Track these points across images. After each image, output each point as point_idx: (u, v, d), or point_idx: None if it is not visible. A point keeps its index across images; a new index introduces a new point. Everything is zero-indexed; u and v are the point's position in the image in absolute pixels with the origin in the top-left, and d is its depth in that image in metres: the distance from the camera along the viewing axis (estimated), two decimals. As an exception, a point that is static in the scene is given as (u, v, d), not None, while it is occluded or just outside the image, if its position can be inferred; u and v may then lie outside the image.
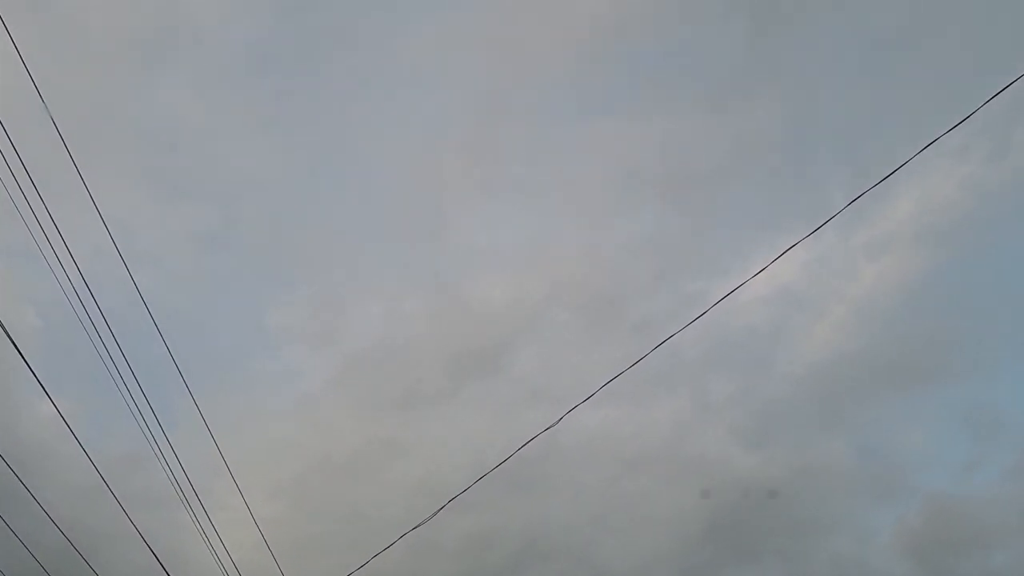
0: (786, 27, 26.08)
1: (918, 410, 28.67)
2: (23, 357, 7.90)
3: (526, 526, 25.96)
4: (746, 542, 26.62)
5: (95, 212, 8.84)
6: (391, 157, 30.25)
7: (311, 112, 28.91)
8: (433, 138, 30.13)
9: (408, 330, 29.63)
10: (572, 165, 30.74)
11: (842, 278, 28.30)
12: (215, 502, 11.64)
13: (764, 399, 28.30)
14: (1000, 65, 7.31)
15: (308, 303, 30.16)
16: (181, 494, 10.35)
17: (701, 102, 28.52)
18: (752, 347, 28.76)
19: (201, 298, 29.79)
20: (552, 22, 27.38)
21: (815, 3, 25.34)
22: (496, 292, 29.99)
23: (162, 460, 10.06)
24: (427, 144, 30.07)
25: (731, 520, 26.69)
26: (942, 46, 24.22)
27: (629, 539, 25.95)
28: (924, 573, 25.68)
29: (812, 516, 26.91)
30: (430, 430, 28.05)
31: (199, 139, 27.65)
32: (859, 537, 26.46)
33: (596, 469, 27.24)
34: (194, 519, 10.62)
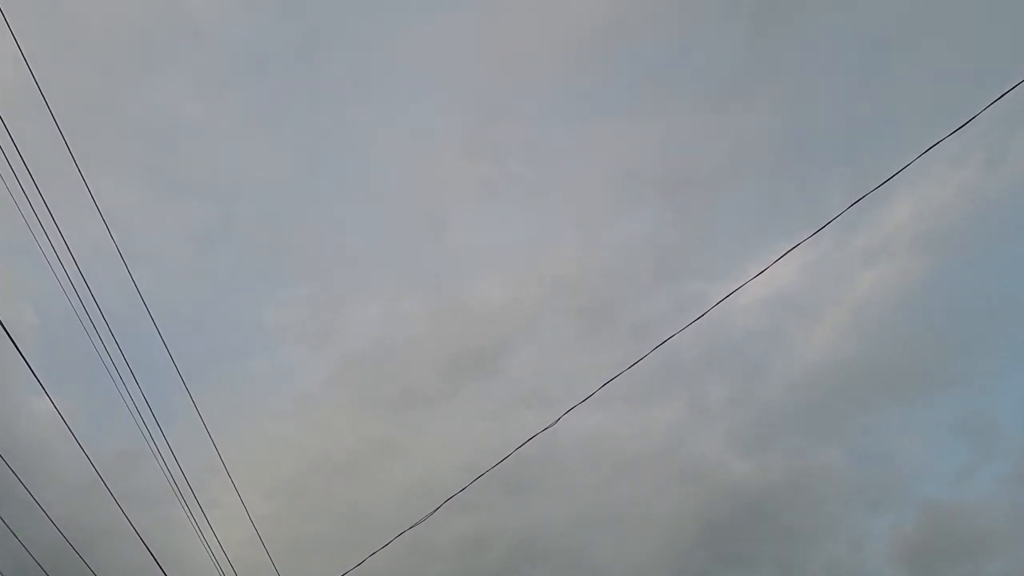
0: (786, 29, 26.18)
1: (914, 417, 28.76)
2: (21, 354, 7.91)
3: (522, 528, 26.00)
4: (741, 547, 26.67)
5: (94, 210, 8.86)
6: (390, 157, 30.32)
7: (311, 112, 28.96)
8: (432, 138, 30.21)
9: (406, 330, 29.69)
10: (571, 166, 30.82)
11: (839, 283, 28.38)
12: (211, 500, 11.67)
13: (761, 404, 28.37)
14: (999, 70, 7.36)
15: (306, 303, 30.22)
16: (178, 492, 10.36)
17: (700, 104, 28.61)
18: (749, 352, 28.84)
19: (199, 297, 29.81)
20: (551, 23, 27.47)
21: (815, 5, 25.44)
22: (494, 293, 30.06)
23: (159, 458, 10.07)
24: (426, 144, 30.15)
25: (726, 525, 26.75)
26: (941, 50, 24.32)
27: (624, 542, 25.98)
28: (919, 580, 25.74)
29: (807, 522, 26.99)
30: (427, 431, 28.10)
31: (199, 138, 27.70)
32: (854, 543, 26.52)
33: (592, 472, 27.30)
34: (190, 517, 10.63)
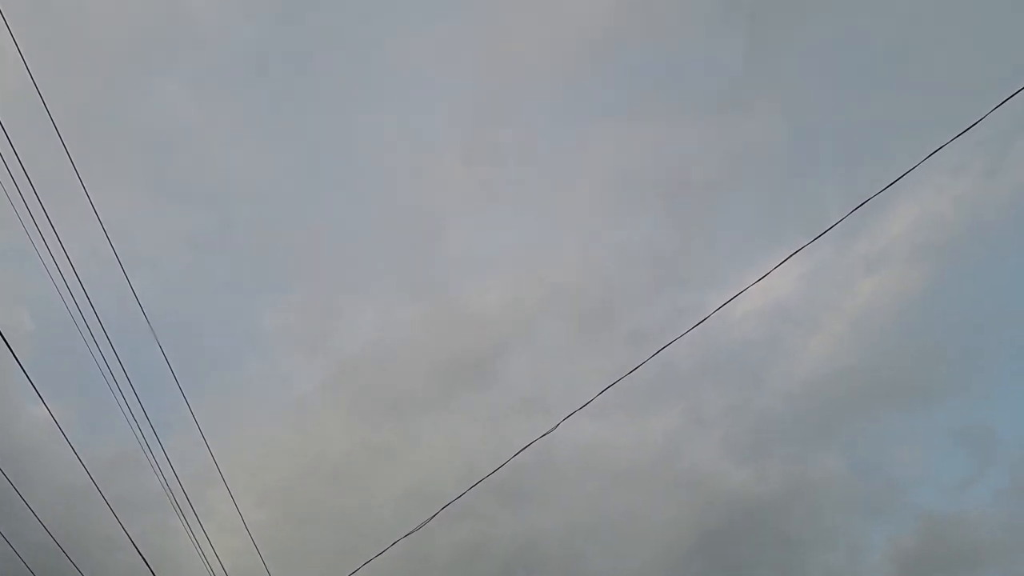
0: (785, 37, 26.23)
1: (912, 427, 28.71)
2: (16, 359, 7.87)
3: (519, 536, 25.93)
4: (739, 556, 26.61)
5: (91, 213, 8.84)
6: (387, 162, 30.33)
7: (308, 117, 28.97)
8: (430, 143, 30.22)
9: (401, 336, 29.65)
10: (569, 172, 30.78)
11: (838, 292, 28.37)
12: (205, 506, 11.61)
13: (759, 412, 28.33)
14: (999, 80, 7.34)
15: (301, 308, 30.18)
16: (172, 498, 10.30)
17: (700, 111, 28.64)
18: (748, 360, 28.79)
19: (196, 301, 29.73)
20: (549, 29, 27.51)
21: (814, 14, 25.49)
22: (491, 299, 30.03)
23: (154, 464, 10.02)
24: (423, 150, 30.14)
25: (723, 534, 26.70)
26: (941, 58, 24.36)
27: (622, 550, 25.91)
28: (916, 590, 25.69)
29: (805, 531, 26.93)
30: (422, 437, 28.04)
31: (197, 143, 27.68)
32: (852, 554, 26.46)
33: (589, 480, 27.25)
34: (185, 523, 10.57)
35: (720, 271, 28.26)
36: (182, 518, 10.50)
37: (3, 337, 7.59)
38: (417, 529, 10.36)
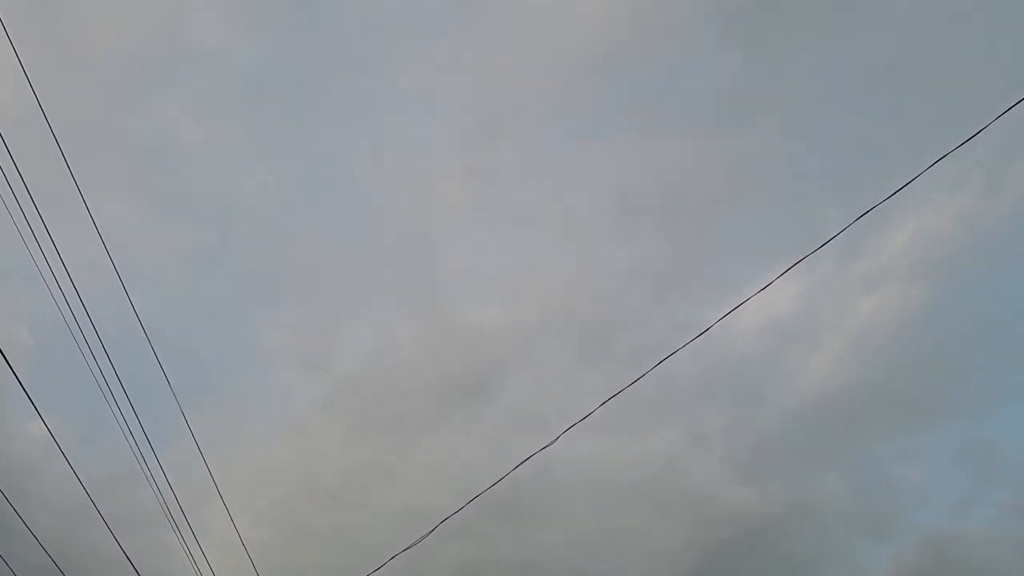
0: (783, 55, 26.40)
1: (914, 445, 28.62)
2: (15, 374, 7.84)
3: (518, 554, 25.74)
4: (739, 575, 26.41)
5: (92, 228, 8.84)
6: (385, 181, 30.41)
7: (308, 135, 29.07)
8: (427, 163, 30.31)
9: (398, 354, 29.60)
10: (565, 191, 30.86)
11: (838, 310, 28.36)
12: (202, 524, 11.53)
13: (759, 431, 28.24)
14: (997, 94, 7.37)
15: (300, 324, 30.15)
16: (168, 515, 10.23)
17: (697, 128, 28.77)
18: (748, 378, 28.73)
19: (194, 318, 29.72)
20: (546, 49, 27.68)
21: (812, 31, 25.66)
22: (489, 317, 29.99)
23: (151, 480, 9.96)
24: (421, 169, 30.24)
25: (724, 553, 26.51)
26: (939, 75, 24.50)
27: (622, 569, 25.70)
28: (918, 610, 25.47)
29: (806, 549, 26.74)
30: (420, 455, 27.91)
31: (198, 158, 27.77)
32: (854, 572, 26.27)
33: (589, 498, 27.09)
34: (181, 540, 10.49)
35: (719, 288, 28.25)
36: (179, 535, 10.43)
37: (2, 353, 7.57)
38: (415, 544, 10.29)
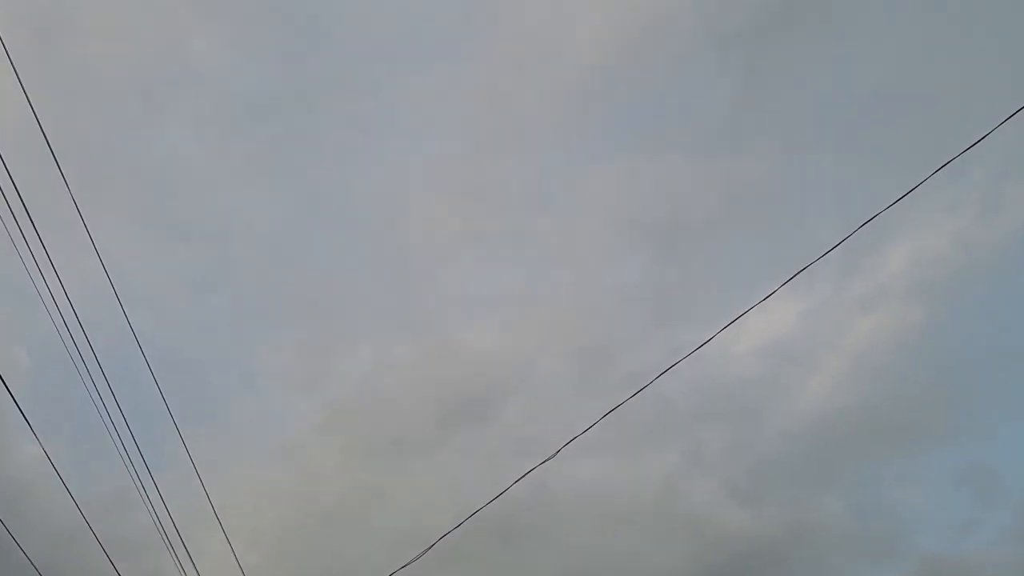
0: (777, 78, 26.60)
1: (914, 468, 28.49)
2: (13, 398, 7.82)
3: (515, 579, 25.53)
4: (738, 601, 26.21)
5: (91, 251, 8.86)
6: (383, 203, 30.49)
7: (307, 159, 29.17)
8: (425, 185, 30.42)
9: (396, 377, 29.48)
10: (564, 213, 30.95)
11: (837, 332, 28.34)
12: (198, 547, 11.44)
13: (758, 453, 28.11)
14: (992, 118, 7.43)
15: (298, 347, 30.08)
16: (165, 538, 10.16)
17: (695, 151, 28.90)
18: (746, 400, 28.65)
19: (192, 340, 29.65)
20: (545, 72, 27.89)
21: (808, 54, 25.88)
22: (487, 340, 29.95)
23: (148, 504, 9.91)
24: (419, 191, 30.35)
25: (723, 576, 26.31)
26: (934, 98, 24.67)
27: (619, 595, 25.49)
28: (919, 634, 25.27)
29: (806, 573, 26.56)
30: (418, 478, 27.72)
31: (197, 182, 27.86)
32: (853, 597, 26.06)
33: (587, 522, 26.90)
34: (178, 564, 10.41)
35: (717, 311, 28.26)
36: (175, 558, 10.35)
37: (-1, 374, 7.55)
38: (414, 561, 10.22)
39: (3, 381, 7.57)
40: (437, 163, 30.17)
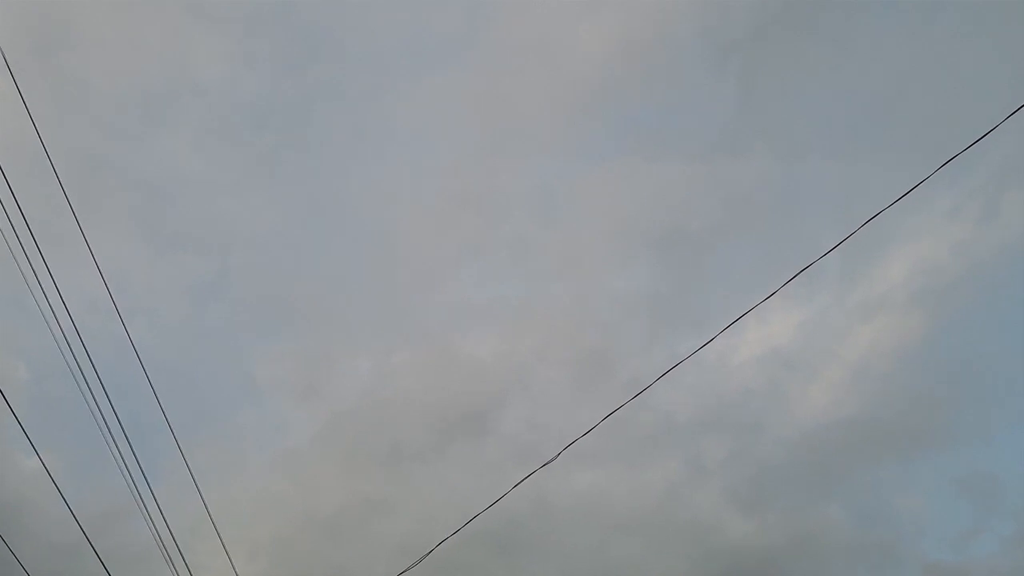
0: (778, 84, 26.68)
1: (916, 476, 28.38)
2: (11, 409, 7.80)
3: (515, 589, 25.42)
4: (740, 609, 26.08)
5: (90, 262, 8.85)
6: (382, 212, 30.54)
7: (306, 168, 29.23)
8: (424, 195, 30.48)
9: (396, 385, 29.45)
10: (564, 221, 30.99)
11: (837, 340, 28.31)
12: (197, 559, 11.39)
13: (758, 463, 28.02)
14: (994, 121, 7.44)
15: (297, 357, 30.04)
16: (163, 550, 10.12)
17: (694, 158, 28.95)
18: (747, 409, 28.59)
19: (191, 350, 29.62)
20: (544, 80, 27.97)
21: (806, 60, 25.96)
22: (486, 348, 29.93)
23: (147, 516, 9.86)
24: (418, 199, 30.38)
25: (724, 587, 26.20)
26: (934, 104, 24.72)
27: (620, 605, 25.38)
28: (922, 643, 25.15)
29: (808, 582, 26.45)
30: (418, 487, 27.65)
31: (195, 192, 27.91)
32: (855, 606, 25.94)
33: (587, 532, 26.82)
34: (177, 577, 10.36)
35: (716, 318, 28.09)
36: (174, 570, 10.30)
37: (-3, 386, 7.52)
38: (414, 566, 10.17)
39: (2, 394, 7.55)
40: (436, 172, 30.26)
